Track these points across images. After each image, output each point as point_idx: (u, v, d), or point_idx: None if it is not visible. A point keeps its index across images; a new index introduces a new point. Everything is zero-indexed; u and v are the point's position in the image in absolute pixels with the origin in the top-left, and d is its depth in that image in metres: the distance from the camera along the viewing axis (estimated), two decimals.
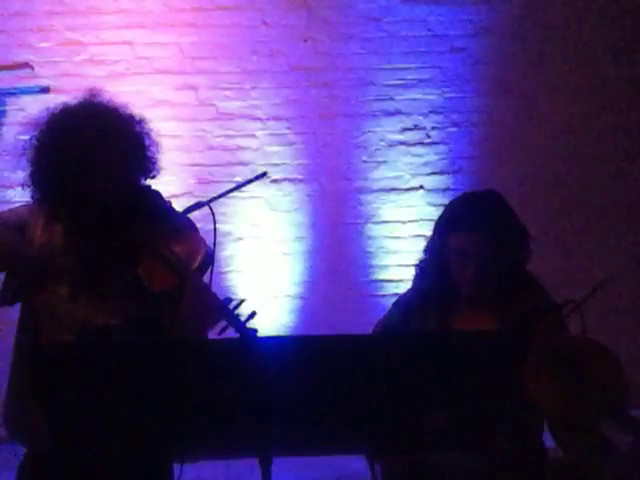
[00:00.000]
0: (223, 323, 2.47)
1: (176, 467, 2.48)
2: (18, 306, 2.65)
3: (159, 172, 2.65)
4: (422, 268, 2.84)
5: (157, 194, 2.58)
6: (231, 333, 2.40)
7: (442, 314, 2.73)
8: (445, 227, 2.75)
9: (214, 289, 2.53)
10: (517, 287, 2.74)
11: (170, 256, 2.48)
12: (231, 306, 2.46)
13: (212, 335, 2.52)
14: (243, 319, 2.44)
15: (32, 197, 2.60)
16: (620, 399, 2.51)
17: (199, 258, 2.55)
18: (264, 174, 2.60)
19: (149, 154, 2.62)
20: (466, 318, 2.68)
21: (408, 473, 2.71)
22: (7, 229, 2.56)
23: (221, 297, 2.48)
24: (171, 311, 2.53)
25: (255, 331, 2.46)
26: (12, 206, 2.72)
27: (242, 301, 2.48)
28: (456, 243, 2.69)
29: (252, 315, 2.46)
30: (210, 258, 2.57)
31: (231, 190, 2.62)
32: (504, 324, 2.62)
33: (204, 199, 2.58)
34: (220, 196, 2.64)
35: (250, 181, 2.59)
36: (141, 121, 2.63)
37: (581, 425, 2.56)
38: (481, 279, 2.68)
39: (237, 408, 1.95)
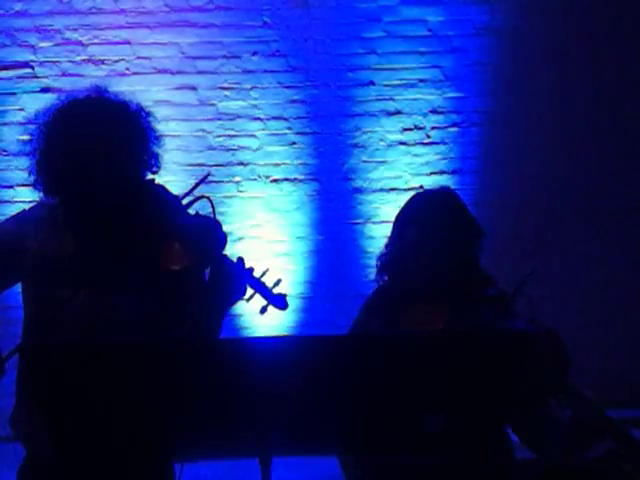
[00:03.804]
0: (250, 291, 2.50)
1: (176, 467, 2.48)
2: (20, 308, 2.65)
3: (160, 168, 2.66)
4: (382, 262, 2.94)
5: (162, 187, 2.59)
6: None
7: (397, 310, 2.81)
8: (400, 223, 2.88)
9: None
10: (470, 282, 2.82)
11: (181, 235, 2.48)
12: (256, 274, 2.49)
13: (240, 303, 2.55)
14: (270, 285, 2.48)
15: (35, 187, 2.58)
16: (564, 375, 2.58)
17: (215, 234, 2.55)
18: (207, 175, 2.68)
19: (153, 148, 2.63)
20: (415, 314, 2.76)
21: (381, 473, 2.73)
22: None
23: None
24: (179, 300, 2.54)
25: (284, 296, 2.50)
26: (12, 206, 2.72)
27: (267, 270, 2.51)
28: (410, 237, 2.81)
29: (278, 282, 2.50)
30: (224, 236, 2.57)
31: (191, 190, 2.64)
32: (456, 318, 2.67)
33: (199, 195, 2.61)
34: (187, 193, 2.65)
35: (196, 186, 2.63)
36: (147, 115, 2.64)
37: (529, 405, 2.61)
38: (434, 270, 2.79)
39: (237, 408, 1.95)
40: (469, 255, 2.85)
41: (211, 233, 2.53)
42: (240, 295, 2.54)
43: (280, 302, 2.51)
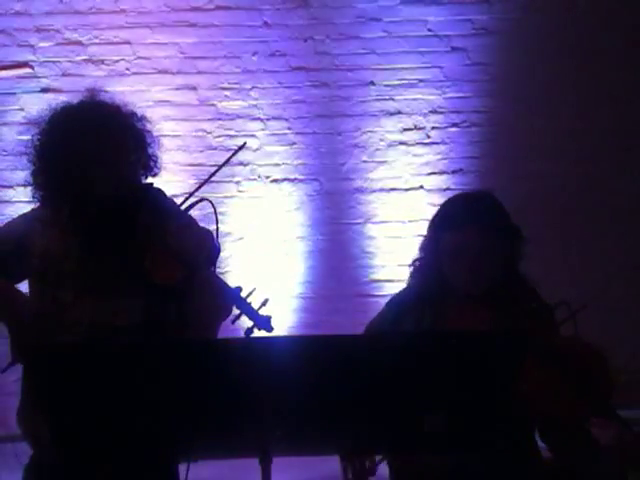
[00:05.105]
0: (236, 312, 2.49)
1: (181, 467, 2.48)
2: None
3: (160, 170, 2.66)
4: (417, 267, 2.89)
5: (159, 191, 2.59)
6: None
7: (436, 312, 2.76)
8: (439, 226, 2.80)
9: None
10: (510, 287, 2.77)
11: (177, 247, 2.48)
12: (243, 294, 2.48)
13: (226, 324, 2.54)
14: (256, 306, 2.47)
15: (34, 196, 2.59)
16: (609, 398, 2.56)
17: (207, 248, 2.55)
18: (244, 145, 2.71)
19: (150, 151, 2.63)
20: (461, 316, 2.72)
21: (417, 474, 2.72)
22: (5, 245, 2.57)
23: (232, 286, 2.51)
24: (179, 306, 2.54)
25: (269, 318, 2.48)
26: (12, 206, 2.72)
27: (254, 289, 2.50)
28: (449, 241, 2.75)
29: (265, 302, 2.48)
30: (218, 249, 2.57)
31: (217, 170, 2.67)
32: (499, 322, 2.65)
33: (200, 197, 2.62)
34: (207, 180, 2.67)
35: (233, 155, 2.67)
36: (142, 118, 2.63)
37: (572, 425, 2.60)
38: (474, 276, 2.74)
39: (237, 408, 1.95)
40: (509, 258, 2.79)
41: (205, 244, 2.54)
42: (224, 314, 2.53)
43: (266, 325, 2.49)
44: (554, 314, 2.72)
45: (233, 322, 2.51)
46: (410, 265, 2.90)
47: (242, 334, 2.47)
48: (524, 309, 2.70)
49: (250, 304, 2.48)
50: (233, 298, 2.49)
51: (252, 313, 2.48)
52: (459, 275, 2.75)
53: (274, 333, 2.52)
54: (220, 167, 2.66)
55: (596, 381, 2.55)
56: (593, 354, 2.64)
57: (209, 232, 2.58)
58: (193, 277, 2.48)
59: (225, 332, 2.57)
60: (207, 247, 2.54)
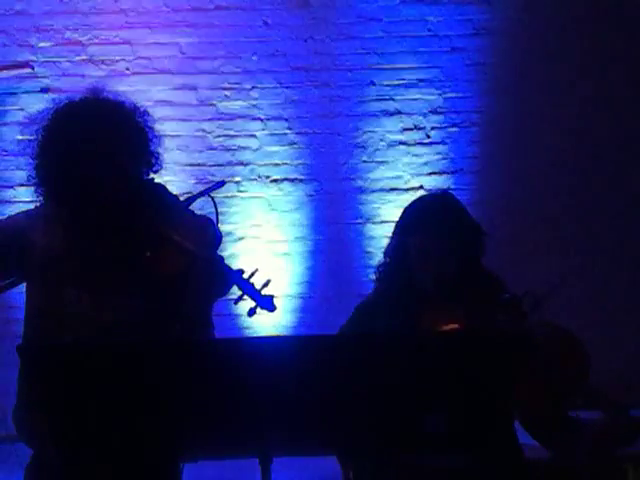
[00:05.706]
0: (239, 292, 2.50)
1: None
2: (22, 309, 2.65)
3: (162, 166, 2.66)
4: (383, 271, 2.94)
5: (161, 186, 2.60)
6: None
7: (407, 315, 2.80)
8: (404, 231, 2.89)
9: None
10: (477, 282, 2.84)
11: (177, 236, 2.48)
12: (245, 276, 2.49)
13: (228, 307, 2.55)
14: (258, 287, 2.48)
15: (36, 192, 2.59)
16: (586, 380, 2.59)
17: (208, 237, 2.56)
18: (223, 183, 2.73)
19: (152, 147, 2.63)
20: (431, 317, 2.76)
21: (398, 475, 2.73)
22: (5, 238, 2.57)
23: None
24: (179, 300, 2.54)
25: (271, 297, 2.49)
26: (12, 206, 2.73)
27: (256, 270, 2.51)
28: (415, 245, 2.83)
29: (267, 283, 2.49)
30: (219, 236, 2.58)
31: (194, 198, 2.66)
32: (469, 319, 2.68)
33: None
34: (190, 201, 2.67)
35: (209, 190, 2.66)
36: (144, 114, 2.64)
37: (551, 417, 2.63)
38: (441, 276, 2.81)
39: (237, 408, 1.95)
40: (473, 255, 2.85)
41: (207, 233, 2.55)
42: (222, 293, 2.54)
43: (268, 304, 2.51)
44: (522, 304, 2.75)
45: (236, 303, 2.53)
46: (375, 271, 2.96)
47: (245, 315, 2.48)
48: (493, 302, 2.74)
49: (252, 285, 2.50)
50: (235, 279, 2.50)
51: (254, 293, 2.50)
52: (426, 276, 2.82)
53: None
54: (195, 198, 2.65)
55: (570, 363, 2.57)
56: (565, 337, 2.67)
57: (210, 220, 2.59)
58: (195, 265, 2.49)
59: (228, 319, 2.58)
60: (209, 236, 2.55)
